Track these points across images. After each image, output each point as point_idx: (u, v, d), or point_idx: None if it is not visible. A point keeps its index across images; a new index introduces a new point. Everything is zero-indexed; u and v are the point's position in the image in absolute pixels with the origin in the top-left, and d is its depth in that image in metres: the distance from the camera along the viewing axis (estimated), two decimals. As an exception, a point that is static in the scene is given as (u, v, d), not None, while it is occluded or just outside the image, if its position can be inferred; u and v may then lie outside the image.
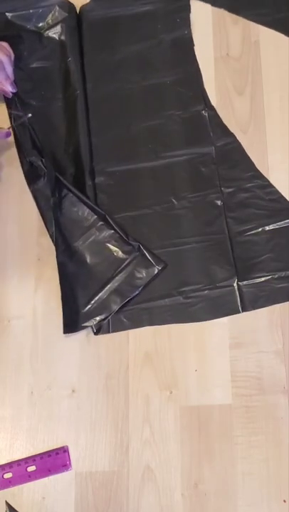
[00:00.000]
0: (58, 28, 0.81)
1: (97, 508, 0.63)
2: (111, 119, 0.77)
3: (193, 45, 0.78)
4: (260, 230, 0.70)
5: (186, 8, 0.80)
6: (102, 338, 0.69)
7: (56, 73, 0.79)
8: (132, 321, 0.69)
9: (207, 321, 0.68)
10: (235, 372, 0.65)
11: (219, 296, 0.68)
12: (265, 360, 0.65)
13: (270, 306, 0.67)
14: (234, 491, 0.62)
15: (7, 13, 0.82)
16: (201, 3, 0.80)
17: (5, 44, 0.75)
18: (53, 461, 0.65)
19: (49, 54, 0.80)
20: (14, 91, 0.75)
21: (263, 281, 0.68)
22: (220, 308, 0.68)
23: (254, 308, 0.67)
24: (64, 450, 0.65)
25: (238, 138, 0.74)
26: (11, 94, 0.75)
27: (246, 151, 0.73)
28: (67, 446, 0.66)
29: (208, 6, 0.80)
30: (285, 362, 0.65)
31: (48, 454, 0.65)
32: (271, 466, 0.62)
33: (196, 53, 0.78)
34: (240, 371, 0.65)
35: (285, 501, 0.61)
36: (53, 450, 0.65)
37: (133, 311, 0.69)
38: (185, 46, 0.78)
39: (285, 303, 0.67)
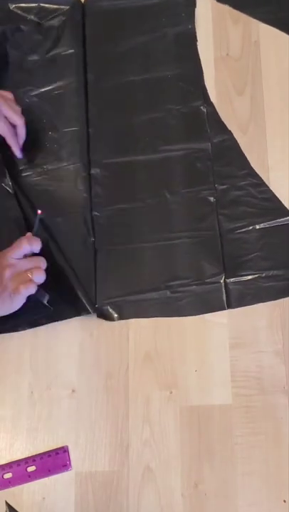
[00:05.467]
0: (61, 19, 0.81)
1: (97, 508, 0.63)
2: (110, 111, 0.77)
3: (196, 40, 0.78)
4: (250, 228, 0.70)
5: (191, 3, 0.80)
6: (102, 338, 0.69)
7: (57, 64, 0.79)
8: (118, 313, 0.69)
9: (207, 321, 0.68)
10: (235, 372, 0.66)
11: (206, 292, 0.69)
12: (265, 360, 0.66)
13: (270, 306, 0.67)
14: (234, 491, 0.62)
15: (9, 4, 0.82)
16: (203, 1, 0.80)
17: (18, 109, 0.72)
18: (53, 461, 0.65)
19: (50, 45, 0.80)
20: (20, 157, 0.74)
21: (250, 280, 0.68)
22: (206, 304, 0.68)
23: (239, 305, 0.68)
24: (64, 450, 0.65)
25: (237, 138, 0.74)
26: (20, 155, 0.74)
27: (246, 150, 0.73)
28: (67, 446, 0.66)
29: (208, 6, 0.80)
30: (285, 362, 0.65)
31: (48, 454, 0.65)
32: (271, 466, 0.62)
33: (197, 52, 0.78)
34: (240, 371, 0.65)
35: (285, 501, 0.61)
36: (53, 450, 0.65)
37: (120, 303, 0.69)
38: (188, 41, 0.78)
39: (286, 303, 0.67)
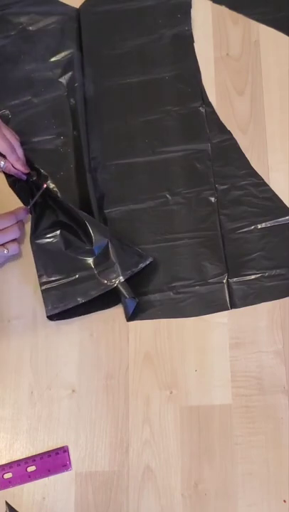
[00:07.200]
0: (56, 27, 0.81)
1: (97, 508, 0.63)
2: (109, 113, 0.77)
3: (193, 41, 0.78)
4: (252, 227, 0.70)
5: (187, 4, 0.80)
6: (102, 338, 0.69)
7: (53, 70, 0.79)
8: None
9: (207, 321, 0.68)
10: (235, 372, 0.65)
11: (209, 292, 0.69)
12: (265, 360, 0.65)
13: (270, 306, 0.67)
14: (234, 491, 0.62)
15: (1, 12, 0.82)
16: (202, 2, 0.80)
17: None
18: (53, 461, 0.65)
19: (46, 52, 0.80)
20: (27, 171, 0.74)
21: (253, 279, 0.68)
22: (209, 304, 0.68)
23: (243, 305, 0.68)
24: (64, 450, 0.65)
25: (237, 138, 0.74)
26: (24, 176, 0.74)
27: (246, 151, 0.73)
28: (67, 446, 0.66)
29: (208, 6, 0.80)
30: (285, 362, 0.65)
31: (48, 454, 0.65)
32: (271, 466, 0.62)
33: (196, 53, 0.78)
34: (240, 371, 0.65)
35: (285, 501, 0.61)
36: (53, 450, 0.65)
37: (123, 305, 0.69)
38: (185, 42, 0.78)
39: (286, 303, 0.67)
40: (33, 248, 0.70)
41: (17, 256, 0.72)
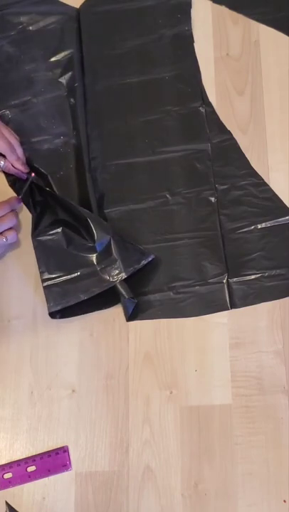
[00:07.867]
0: (56, 27, 0.81)
1: (97, 508, 0.63)
2: (109, 113, 0.77)
3: (193, 41, 0.78)
4: (252, 227, 0.70)
5: (188, 4, 0.80)
6: (102, 338, 0.69)
7: (54, 70, 0.79)
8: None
9: (207, 321, 0.68)
10: (235, 372, 0.65)
11: (209, 292, 0.69)
12: (265, 360, 0.65)
13: (270, 306, 0.67)
14: (234, 491, 0.62)
15: (2, 12, 0.82)
16: (202, 2, 0.80)
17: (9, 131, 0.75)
18: (53, 461, 0.65)
19: (46, 52, 0.80)
20: (26, 171, 0.74)
21: (253, 279, 0.68)
22: (209, 304, 0.68)
23: (243, 305, 0.68)
24: (64, 450, 0.65)
25: (237, 138, 0.74)
26: (24, 175, 0.74)
27: (246, 151, 0.73)
28: (67, 446, 0.66)
29: (208, 6, 0.80)
30: (285, 362, 0.65)
31: (48, 454, 0.65)
32: (271, 466, 0.62)
33: (196, 53, 0.78)
34: (240, 371, 0.65)
35: (285, 501, 0.61)
36: (53, 450, 0.65)
37: (123, 306, 0.69)
38: (185, 42, 0.78)
39: (286, 303, 0.67)
40: (35, 245, 0.71)
41: (15, 247, 0.73)
